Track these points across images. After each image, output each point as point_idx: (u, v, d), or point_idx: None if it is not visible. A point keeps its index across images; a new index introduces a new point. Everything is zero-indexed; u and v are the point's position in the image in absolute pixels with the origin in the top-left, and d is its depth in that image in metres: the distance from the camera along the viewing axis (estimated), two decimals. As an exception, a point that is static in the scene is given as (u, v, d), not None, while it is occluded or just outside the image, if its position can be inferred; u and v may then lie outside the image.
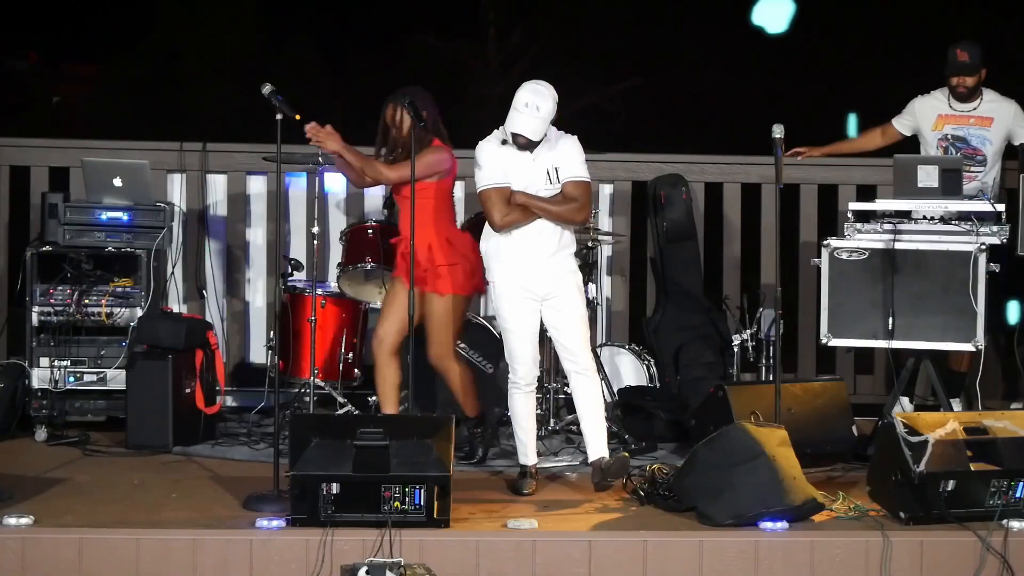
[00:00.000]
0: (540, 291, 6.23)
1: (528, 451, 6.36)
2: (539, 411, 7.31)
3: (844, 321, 6.88)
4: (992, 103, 7.63)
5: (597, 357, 7.42)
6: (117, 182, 7.52)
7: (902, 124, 7.78)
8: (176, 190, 8.26)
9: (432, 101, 6.54)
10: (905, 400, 7.59)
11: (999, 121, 7.61)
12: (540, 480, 6.34)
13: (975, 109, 7.62)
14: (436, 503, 5.38)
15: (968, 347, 6.83)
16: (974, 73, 7.55)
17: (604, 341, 8.12)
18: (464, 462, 6.63)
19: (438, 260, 6.46)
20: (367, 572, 5.03)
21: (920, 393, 7.76)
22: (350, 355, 7.41)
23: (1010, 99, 7.67)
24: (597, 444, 6.26)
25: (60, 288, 7.30)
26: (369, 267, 7.22)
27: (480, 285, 6.56)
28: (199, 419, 7.17)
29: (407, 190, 6.18)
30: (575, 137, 6.30)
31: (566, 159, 6.20)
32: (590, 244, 7.62)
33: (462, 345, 7.14)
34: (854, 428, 6.90)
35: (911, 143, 7.83)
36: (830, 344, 6.97)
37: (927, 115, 7.70)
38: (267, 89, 6.05)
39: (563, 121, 6.37)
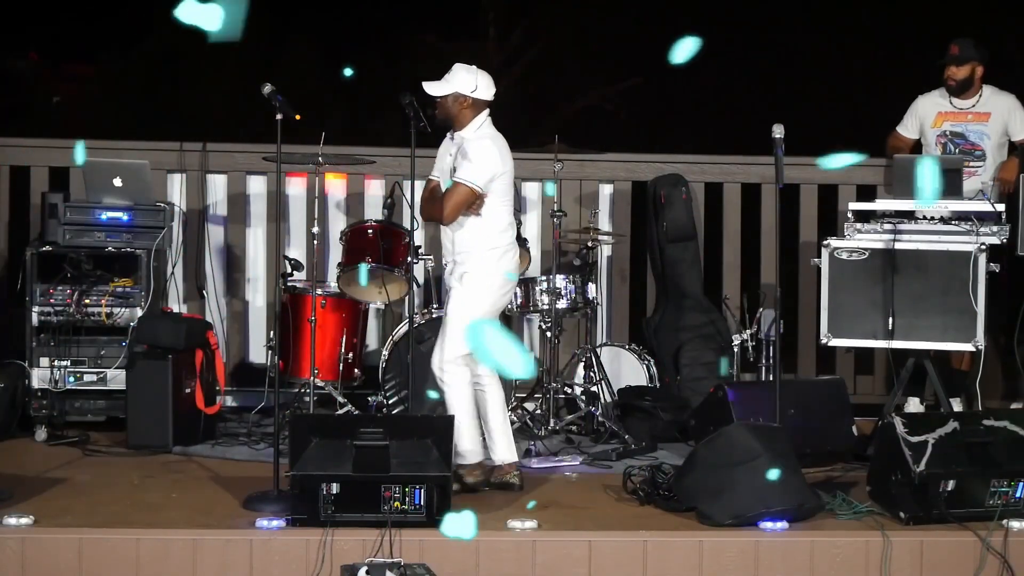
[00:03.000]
0: (450, 280, 6.30)
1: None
2: (539, 411, 7.33)
3: (844, 321, 6.89)
4: (990, 98, 7.66)
5: (597, 357, 7.45)
6: (117, 182, 7.52)
7: (908, 129, 7.82)
8: (176, 190, 8.25)
9: None
10: (915, 400, 7.60)
11: (996, 115, 7.65)
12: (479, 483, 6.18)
13: (974, 106, 7.66)
14: (436, 503, 5.38)
15: (968, 347, 6.84)
16: (961, 64, 7.57)
17: (604, 341, 8.12)
18: None
19: None
20: (367, 572, 5.03)
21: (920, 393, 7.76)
22: (350, 355, 7.40)
23: (1008, 93, 7.70)
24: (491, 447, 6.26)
25: (60, 288, 7.29)
26: (369, 267, 7.22)
27: None
28: (199, 419, 7.17)
29: None
30: (490, 141, 6.15)
31: (463, 158, 6.12)
32: (590, 244, 7.63)
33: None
34: (854, 428, 6.90)
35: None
36: (830, 344, 6.97)
37: (928, 112, 7.74)
38: (267, 89, 6.05)
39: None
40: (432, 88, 6.19)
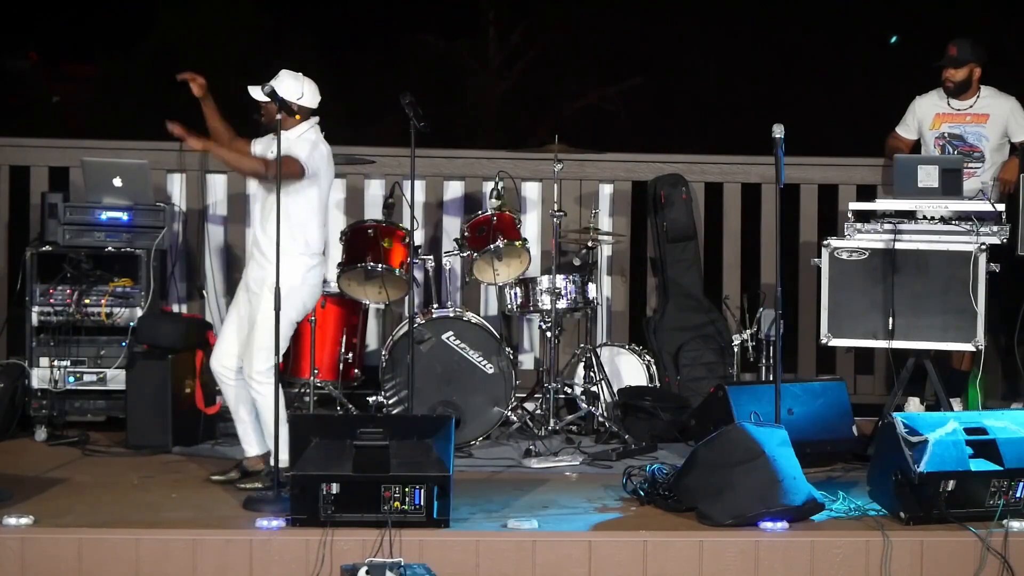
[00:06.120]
0: (251, 283, 6.27)
1: (242, 441, 6.39)
2: (539, 411, 7.33)
3: (844, 321, 6.88)
4: (988, 99, 7.66)
5: (597, 357, 7.45)
6: (117, 182, 7.52)
7: (907, 129, 7.81)
8: (176, 190, 8.26)
9: None
10: (915, 400, 7.60)
11: (995, 117, 7.64)
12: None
13: (971, 107, 7.66)
14: (436, 503, 5.38)
15: (968, 347, 6.84)
16: (959, 66, 7.58)
17: (604, 341, 8.12)
18: None
19: None
20: (367, 572, 5.03)
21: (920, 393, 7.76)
22: (350, 355, 7.40)
23: (1008, 95, 7.70)
24: (249, 442, 6.34)
25: (60, 288, 7.30)
26: (369, 267, 7.22)
27: None
28: (199, 419, 7.17)
29: None
30: (317, 141, 6.19)
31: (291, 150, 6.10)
32: (590, 244, 7.62)
33: (461, 345, 7.15)
34: (854, 428, 6.90)
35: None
36: (830, 344, 6.97)
37: (926, 114, 7.74)
38: (267, 89, 6.05)
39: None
40: (258, 92, 6.13)
